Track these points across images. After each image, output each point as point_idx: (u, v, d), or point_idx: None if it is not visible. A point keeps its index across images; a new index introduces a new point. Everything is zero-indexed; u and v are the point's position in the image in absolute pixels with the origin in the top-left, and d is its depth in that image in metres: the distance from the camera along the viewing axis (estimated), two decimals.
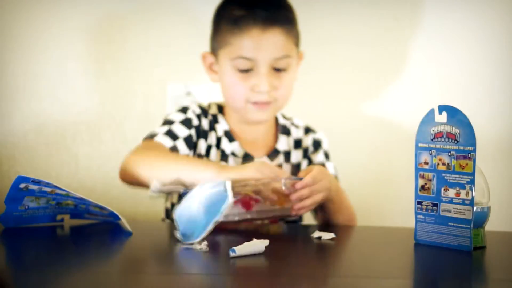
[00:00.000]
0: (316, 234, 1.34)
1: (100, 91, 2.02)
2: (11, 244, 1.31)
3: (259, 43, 1.60)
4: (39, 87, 2.01)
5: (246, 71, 1.61)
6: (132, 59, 2.03)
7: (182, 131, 1.63)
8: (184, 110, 1.68)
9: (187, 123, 1.65)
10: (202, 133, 1.67)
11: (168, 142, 1.60)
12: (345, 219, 1.58)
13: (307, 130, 1.78)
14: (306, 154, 1.75)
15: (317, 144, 1.77)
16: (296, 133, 1.76)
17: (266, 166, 1.44)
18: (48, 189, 1.36)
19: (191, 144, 1.64)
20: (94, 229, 1.42)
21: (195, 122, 1.66)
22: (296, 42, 1.68)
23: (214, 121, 1.70)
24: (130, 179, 1.54)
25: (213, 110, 1.73)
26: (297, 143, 1.75)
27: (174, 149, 1.60)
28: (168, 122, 1.65)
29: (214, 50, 1.68)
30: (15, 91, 2.01)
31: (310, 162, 1.75)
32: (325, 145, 1.78)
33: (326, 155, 1.77)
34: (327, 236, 1.32)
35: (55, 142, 2.02)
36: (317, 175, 1.45)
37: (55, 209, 1.41)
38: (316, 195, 1.45)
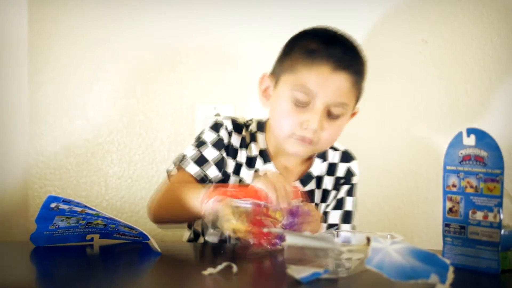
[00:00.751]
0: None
1: (130, 112, 2.04)
2: (41, 263, 1.33)
3: (325, 82, 1.56)
4: (70, 108, 2.04)
5: (301, 105, 1.57)
6: (161, 81, 2.04)
7: (212, 155, 1.63)
8: (217, 127, 1.66)
9: (218, 144, 1.64)
10: (231, 152, 1.66)
11: (196, 172, 1.61)
12: None
13: (344, 156, 1.74)
14: (337, 184, 1.72)
15: (349, 175, 1.73)
16: (333, 157, 1.73)
17: (266, 178, 1.40)
18: (78, 209, 1.37)
19: (221, 166, 1.64)
20: (123, 249, 1.43)
21: (226, 141, 1.65)
22: (358, 96, 1.64)
23: (251, 138, 1.69)
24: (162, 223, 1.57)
25: (253, 127, 1.71)
26: (331, 169, 1.72)
27: (203, 179, 1.61)
28: (200, 143, 1.65)
29: (276, 75, 1.65)
30: (46, 112, 2.03)
31: (338, 192, 1.72)
32: (355, 178, 1.73)
33: (351, 190, 1.72)
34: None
35: (85, 162, 2.04)
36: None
37: (85, 229, 1.43)
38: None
